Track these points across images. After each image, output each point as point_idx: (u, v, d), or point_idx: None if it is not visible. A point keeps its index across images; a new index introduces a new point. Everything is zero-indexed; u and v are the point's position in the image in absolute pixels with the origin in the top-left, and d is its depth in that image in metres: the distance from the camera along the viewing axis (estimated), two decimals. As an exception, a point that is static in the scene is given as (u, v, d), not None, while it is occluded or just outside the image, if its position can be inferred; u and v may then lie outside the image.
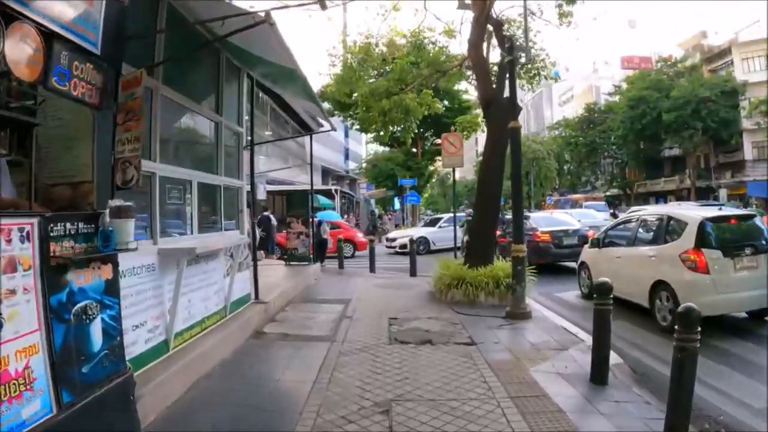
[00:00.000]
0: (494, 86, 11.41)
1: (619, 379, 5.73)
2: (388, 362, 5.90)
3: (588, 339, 7.19)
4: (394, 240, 24.23)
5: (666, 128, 46.56)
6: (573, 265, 15.14)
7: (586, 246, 11.46)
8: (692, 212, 8.88)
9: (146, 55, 4.89)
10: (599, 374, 5.58)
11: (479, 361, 6.01)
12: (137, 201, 4.92)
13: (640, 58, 65.02)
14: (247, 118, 8.32)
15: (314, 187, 38.75)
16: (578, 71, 71.34)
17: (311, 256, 13.42)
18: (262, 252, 17.10)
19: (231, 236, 6.99)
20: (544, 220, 15.58)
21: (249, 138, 7.96)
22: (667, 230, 8.60)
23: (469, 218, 23.36)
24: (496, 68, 12.57)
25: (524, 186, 62.45)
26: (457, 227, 24.68)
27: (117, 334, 3.87)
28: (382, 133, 15.64)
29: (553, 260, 14.56)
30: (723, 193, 45.44)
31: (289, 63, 5.64)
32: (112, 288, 3.78)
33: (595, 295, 5.75)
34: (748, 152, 46.04)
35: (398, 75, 14.51)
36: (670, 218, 8.69)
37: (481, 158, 54.34)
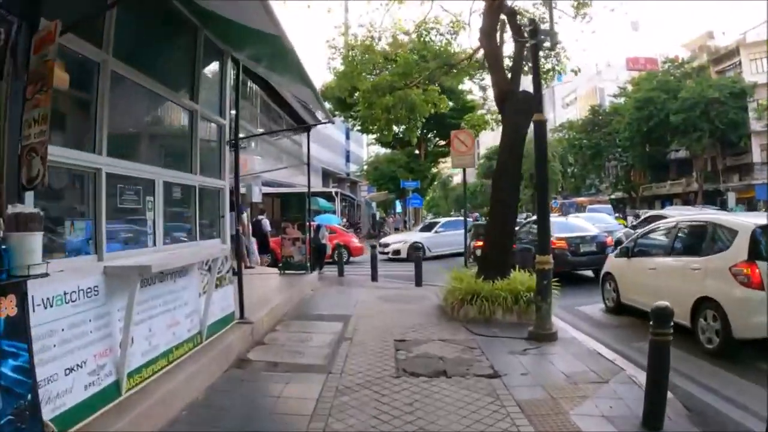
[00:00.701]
0: (509, 79, 10.37)
1: (674, 420, 4.70)
2: (396, 404, 4.80)
3: (628, 367, 6.19)
4: (387, 245, 22.70)
5: (674, 130, 45.66)
6: (589, 273, 14.16)
7: (611, 255, 10.39)
8: (740, 219, 7.81)
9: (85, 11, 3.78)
10: (654, 418, 4.56)
11: (507, 401, 4.91)
12: (75, 205, 3.88)
13: (645, 59, 64.35)
14: (233, 112, 7.25)
15: (314, 190, 37.90)
16: (582, 73, 70.10)
17: (308, 264, 12.30)
18: (261, 257, 16.08)
19: (208, 247, 5.89)
20: (559, 226, 14.45)
21: (234, 132, 6.85)
22: (712, 239, 7.51)
23: (477, 222, 22.31)
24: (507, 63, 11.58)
25: (529, 189, 61.76)
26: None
27: (27, 391, 2.80)
28: (385, 132, 14.54)
29: (570, 269, 13.49)
30: (731, 196, 44.71)
31: (272, 29, 4.56)
32: (17, 328, 2.71)
33: (651, 323, 4.70)
34: (757, 155, 45.33)
35: (403, 69, 13.45)
36: (715, 225, 7.60)
37: (483, 161, 53.82)
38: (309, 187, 12.43)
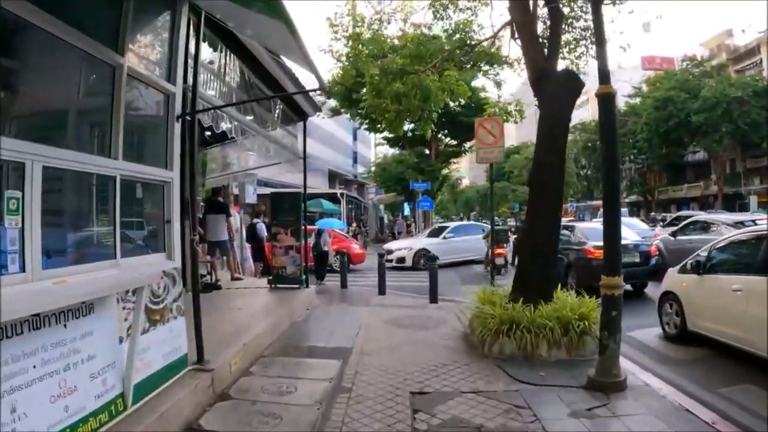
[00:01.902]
0: (546, 55, 8.53)
1: None
2: None
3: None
4: (390, 252, 20.04)
5: (694, 131, 43.73)
6: (627, 287, 12.25)
7: (673, 270, 8.49)
8: None
9: None
10: None
11: None
12: None
13: (661, 58, 62.46)
14: (191, 83, 5.40)
15: (318, 191, 35.94)
16: (593, 74, 67.81)
17: (303, 277, 10.39)
18: (255, 264, 14.27)
19: (137, 266, 4.04)
20: (594, 232, 12.55)
21: (191, 104, 4.97)
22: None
23: (496, 227, 20.26)
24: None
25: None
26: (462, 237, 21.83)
27: None
28: (395, 125, 12.62)
29: (610, 283, 11.59)
30: (753, 200, 42.95)
31: None
32: None
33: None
34: (779, 157, 43.29)
35: (415, 50, 11.60)
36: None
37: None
38: (305, 185, 10.52)
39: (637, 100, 55.02)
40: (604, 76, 5.47)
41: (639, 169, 59.18)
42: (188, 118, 4.86)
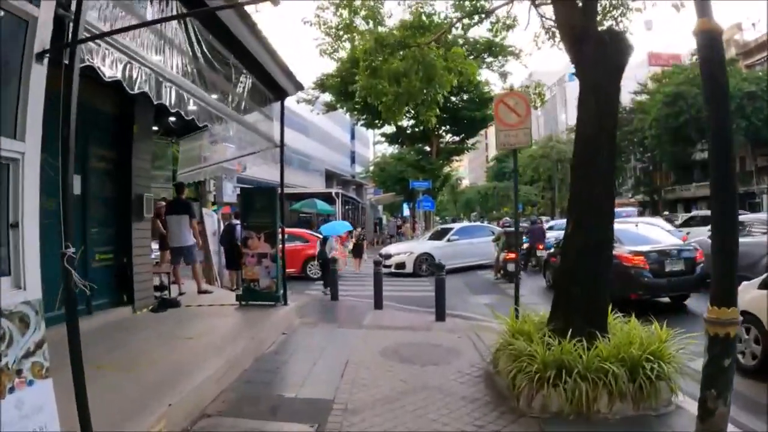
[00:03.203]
0: (583, 11, 6.73)
1: None
2: None
3: None
4: (388, 257, 18.10)
5: (706, 127, 42.02)
6: (665, 299, 10.50)
7: (748, 284, 6.66)
8: None
9: None
10: None
11: None
12: None
13: (668, 54, 61.18)
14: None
15: (312, 191, 33.86)
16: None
17: (280, 292, 8.50)
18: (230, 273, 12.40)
19: None
20: (628, 235, 10.70)
21: (71, 32, 3.14)
22: None
23: (507, 229, 18.41)
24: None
25: (548, 191, 58.11)
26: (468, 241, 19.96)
27: None
28: (393, 110, 10.77)
29: (650, 295, 9.79)
30: (765, 199, 41.42)
31: None
32: None
33: None
34: (791, 155, 41.91)
35: (417, 20, 9.83)
36: None
37: (493, 162, 51.47)
38: (282, 180, 8.70)
39: (643, 96, 53.47)
40: (703, 6, 3.65)
41: (644, 168, 57.70)
42: (65, 61, 3.03)
